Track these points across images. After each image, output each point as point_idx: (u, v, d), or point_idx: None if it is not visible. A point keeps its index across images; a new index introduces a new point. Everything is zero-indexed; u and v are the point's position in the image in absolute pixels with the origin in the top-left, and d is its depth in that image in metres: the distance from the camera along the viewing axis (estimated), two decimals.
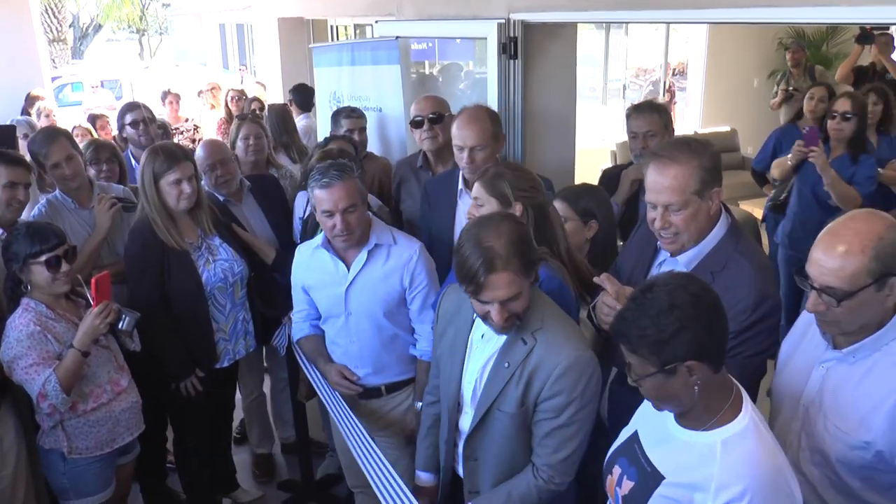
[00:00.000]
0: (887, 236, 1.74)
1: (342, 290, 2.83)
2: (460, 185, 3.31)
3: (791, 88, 7.56)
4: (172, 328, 3.18)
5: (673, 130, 3.58)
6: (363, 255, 2.80)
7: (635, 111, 3.58)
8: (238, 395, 3.96)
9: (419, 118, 3.72)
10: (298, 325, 3.09)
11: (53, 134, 3.54)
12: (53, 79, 12.20)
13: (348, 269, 2.82)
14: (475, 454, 2.26)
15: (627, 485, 1.79)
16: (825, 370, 1.94)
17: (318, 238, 2.89)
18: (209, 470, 3.64)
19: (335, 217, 2.68)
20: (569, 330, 2.13)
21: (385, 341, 2.89)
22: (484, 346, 2.21)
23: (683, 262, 2.23)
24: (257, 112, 6.16)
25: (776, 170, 4.55)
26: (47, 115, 6.30)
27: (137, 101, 5.49)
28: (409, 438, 2.92)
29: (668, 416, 1.76)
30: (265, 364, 4.24)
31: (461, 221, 3.27)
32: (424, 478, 2.56)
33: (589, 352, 2.09)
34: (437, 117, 3.66)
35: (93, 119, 6.27)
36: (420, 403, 2.75)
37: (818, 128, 4.23)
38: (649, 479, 1.74)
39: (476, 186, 2.58)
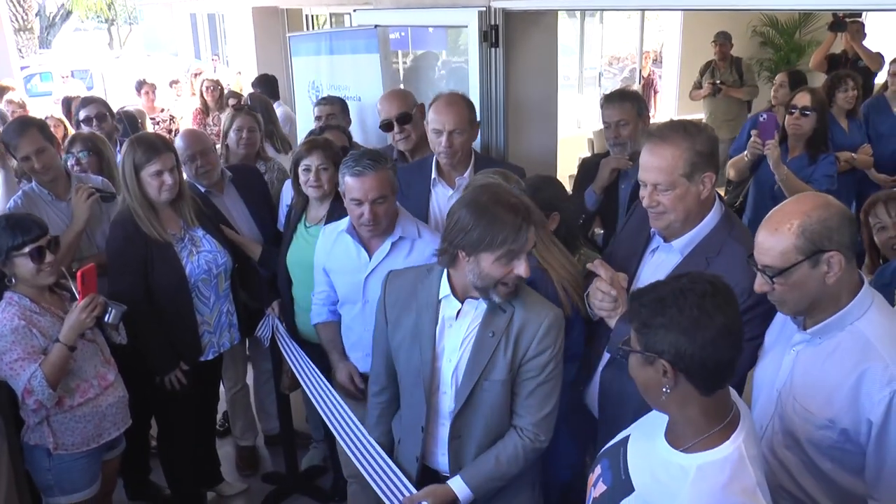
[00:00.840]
0: (814, 214, 1.81)
1: (361, 277, 2.81)
2: (434, 174, 3.29)
3: (718, 82, 7.53)
4: (156, 321, 3.14)
5: (648, 118, 3.57)
6: (386, 245, 2.78)
7: (607, 101, 3.57)
8: (221, 388, 3.92)
9: (387, 121, 3.68)
10: (318, 308, 3.07)
11: (26, 125, 3.44)
12: (21, 68, 11.97)
13: (370, 258, 2.80)
14: (459, 432, 2.27)
15: (601, 487, 1.77)
16: (795, 353, 1.98)
17: (344, 222, 2.88)
18: (194, 463, 3.61)
19: (363, 206, 2.66)
20: (531, 292, 2.23)
21: None
22: (460, 322, 2.21)
23: (678, 248, 2.26)
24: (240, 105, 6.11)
25: (732, 169, 4.33)
26: (15, 110, 6.14)
27: (94, 95, 5.42)
28: None
29: (660, 429, 1.70)
30: (248, 355, 4.21)
31: (435, 210, 3.26)
32: None
33: (559, 309, 2.23)
34: (404, 116, 3.63)
35: (67, 102, 6.16)
36: None
37: (776, 116, 4.03)
38: (621, 487, 1.70)
39: None
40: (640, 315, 1.58)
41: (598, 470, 1.82)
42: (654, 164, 2.17)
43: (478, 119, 3.38)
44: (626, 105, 3.48)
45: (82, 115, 4.48)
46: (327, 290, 3.01)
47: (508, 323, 2.15)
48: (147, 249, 3.09)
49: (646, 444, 1.72)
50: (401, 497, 2.33)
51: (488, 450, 2.23)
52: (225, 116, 4.27)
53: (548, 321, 2.15)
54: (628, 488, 1.67)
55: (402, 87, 4.84)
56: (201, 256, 3.22)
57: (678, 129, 2.18)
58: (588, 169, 3.76)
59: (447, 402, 2.27)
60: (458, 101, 3.22)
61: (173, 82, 9.27)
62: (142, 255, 3.08)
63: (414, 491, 2.32)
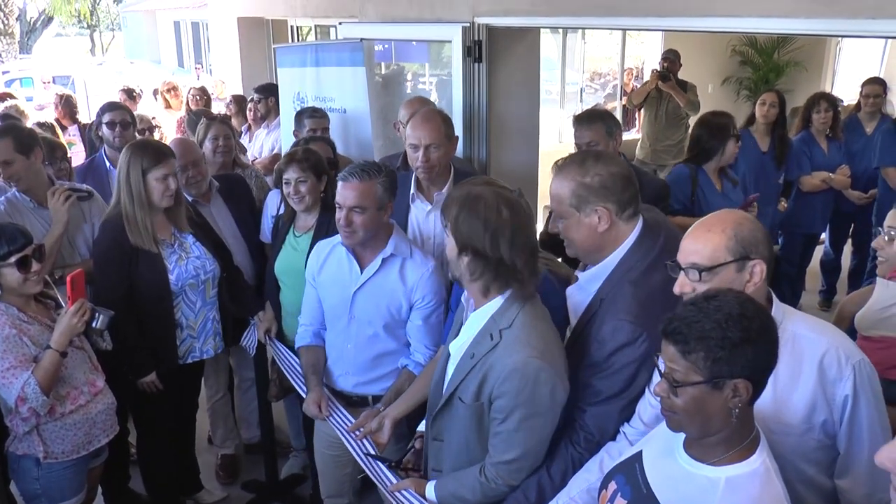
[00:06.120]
0: (746, 224, 1.87)
1: (351, 291, 2.82)
2: (412, 190, 3.28)
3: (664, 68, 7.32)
4: (136, 324, 3.16)
5: (620, 136, 3.49)
6: (377, 261, 2.78)
7: (577, 122, 3.52)
8: (203, 395, 3.93)
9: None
10: (302, 332, 3.04)
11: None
12: (2, 73, 11.91)
13: (361, 272, 2.81)
14: (441, 435, 2.28)
15: (620, 502, 1.74)
16: None
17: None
18: (173, 471, 3.61)
19: (342, 210, 2.71)
20: (531, 334, 2.06)
21: (380, 353, 2.88)
22: (465, 330, 2.21)
23: (583, 283, 2.24)
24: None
25: None
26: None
27: (119, 102, 5.45)
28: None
29: (677, 442, 1.68)
30: (231, 363, 4.22)
31: (413, 225, 3.27)
32: None
33: (541, 361, 2.02)
34: None
35: (58, 99, 6.55)
36: (381, 406, 2.73)
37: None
38: (644, 500, 1.68)
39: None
40: (709, 341, 1.50)
41: (612, 486, 1.79)
42: (551, 192, 2.19)
43: (455, 134, 3.36)
44: (595, 126, 3.43)
45: (106, 118, 4.42)
46: (313, 315, 3.00)
47: (488, 352, 2.07)
48: (134, 253, 3.11)
49: (664, 457, 1.71)
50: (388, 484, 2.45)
51: (461, 470, 2.23)
52: (198, 127, 4.30)
53: (510, 367, 2.01)
54: (652, 501, 1.66)
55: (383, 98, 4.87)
56: (190, 262, 3.25)
57: (576, 161, 2.16)
58: None
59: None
60: (434, 117, 3.22)
61: (156, 91, 9.25)
62: (128, 259, 3.11)
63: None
